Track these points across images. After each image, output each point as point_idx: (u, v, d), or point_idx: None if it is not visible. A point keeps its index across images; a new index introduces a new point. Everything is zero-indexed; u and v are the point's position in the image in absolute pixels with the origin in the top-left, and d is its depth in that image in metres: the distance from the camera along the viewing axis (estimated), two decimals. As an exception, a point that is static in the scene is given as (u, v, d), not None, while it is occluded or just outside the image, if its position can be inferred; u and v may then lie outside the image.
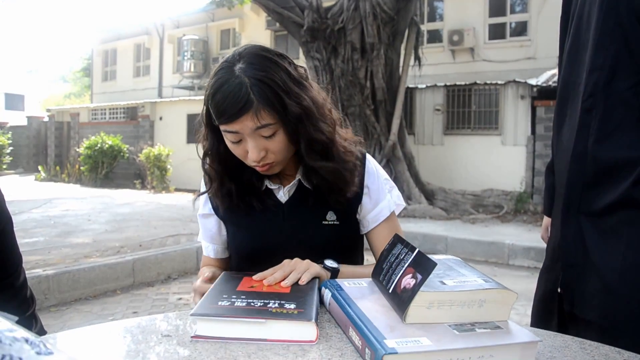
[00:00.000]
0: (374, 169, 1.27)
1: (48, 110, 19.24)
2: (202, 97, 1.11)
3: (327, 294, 0.95)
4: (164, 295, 4.30)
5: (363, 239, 1.32)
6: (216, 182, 1.18)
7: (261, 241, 1.21)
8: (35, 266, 4.23)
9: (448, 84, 10.37)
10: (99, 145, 13.64)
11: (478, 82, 10.06)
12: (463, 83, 10.18)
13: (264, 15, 13.84)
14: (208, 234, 1.31)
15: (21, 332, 0.49)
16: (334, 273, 1.09)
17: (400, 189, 8.28)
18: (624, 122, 1.05)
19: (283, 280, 0.99)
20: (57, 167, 15.97)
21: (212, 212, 1.27)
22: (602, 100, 1.08)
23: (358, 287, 0.95)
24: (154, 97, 17.38)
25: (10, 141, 16.12)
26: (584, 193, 1.12)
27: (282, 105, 1.03)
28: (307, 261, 1.05)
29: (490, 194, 9.24)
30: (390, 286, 0.85)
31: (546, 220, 1.44)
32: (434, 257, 0.84)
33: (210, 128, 1.13)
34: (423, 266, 0.78)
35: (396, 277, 0.84)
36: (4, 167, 16.04)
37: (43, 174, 15.75)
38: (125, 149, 14.00)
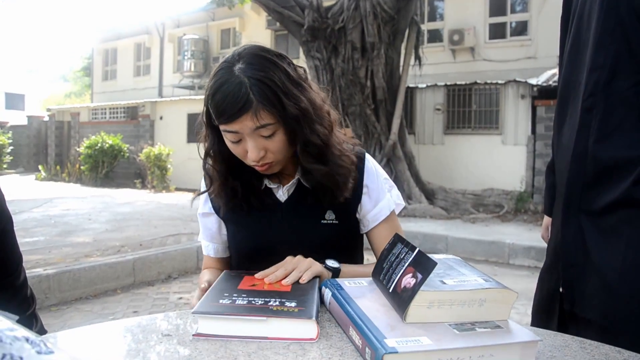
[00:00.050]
0: (374, 169, 1.27)
1: (48, 110, 19.24)
2: (203, 97, 1.11)
3: (327, 293, 0.95)
4: (165, 295, 4.30)
5: (363, 238, 1.33)
6: (218, 182, 1.18)
7: (261, 240, 1.22)
8: (36, 265, 4.23)
9: (448, 83, 10.36)
10: (99, 144, 13.64)
11: (478, 81, 10.06)
12: (463, 82, 10.17)
13: (265, 14, 13.84)
14: (208, 233, 1.31)
15: (22, 331, 0.49)
16: (335, 273, 1.09)
17: (401, 188, 8.31)
18: (624, 121, 1.05)
19: (284, 278, 0.99)
20: (58, 167, 15.98)
21: (212, 211, 1.28)
22: (603, 99, 1.08)
23: (358, 287, 0.95)
24: (155, 97, 17.38)
25: (10, 140, 16.13)
26: (584, 192, 1.12)
27: (281, 105, 1.04)
28: (310, 259, 1.05)
29: (490, 194, 9.24)
30: (391, 285, 0.85)
31: (547, 219, 1.44)
32: (434, 257, 0.84)
33: (210, 128, 1.13)
34: (423, 265, 0.78)
35: (396, 276, 0.84)
36: (5, 166, 16.05)
37: (43, 174, 15.75)
38: (125, 149, 14.00)
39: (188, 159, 12.88)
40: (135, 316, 1.12)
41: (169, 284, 4.66)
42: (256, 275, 1.02)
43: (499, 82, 9.75)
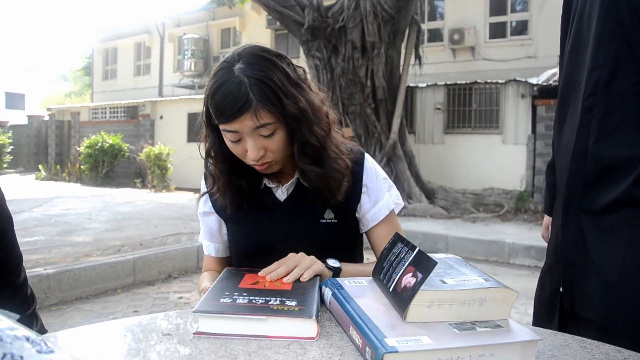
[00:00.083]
0: (373, 168, 1.27)
1: (48, 109, 19.24)
2: (203, 96, 1.11)
3: (327, 293, 0.95)
4: (165, 294, 4.31)
5: (362, 237, 1.33)
6: (222, 180, 1.19)
7: (260, 239, 1.22)
8: (36, 265, 4.24)
9: (449, 82, 10.36)
10: (99, 144, 13.64)
11: (478, 81, 10.06)
12: (464, 82, 10.17)
13: (265, 14, 13.83)
14: (209, 232, 1.32)
15: (22, 331, 0.49)
16: (336, 272, 1.10)
17: (401, 187, 8.31)
18: (624, 121, 1.05)
19: (286, 276, 1.00)
20: (58, 166, 15.98)
21: (212, 210, 1.28)
22: (603, 99, 1.08)
23: (358, 286, 0.95)
24: (155, 96, 17.39)
25: (10, 140, 16.12)
26: (584, 192, 1.12)
27: (281, 105, 1.04)
28: (312, 257, 1.06)
29: (490, 193, 9.24)
30: (391, 285, 0.85)
31: (547, 219, 1.45)
32: (435, 256, 0.84)
33: (210, 127, 1.13)
34: (423, 265, 0.78)
35: (397, 275, 0.84)
36: (5, 166, 16.04)
37: (44, 173, 15.75)
38: (125, 148, 14.00)
39: (188, 158, 12.88)
40: (135, 315, 1.13)
41: (169, 284, 4.66)
42: (259, 274, 1.02)
43: (499, 81, 9.75)
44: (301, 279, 0.99)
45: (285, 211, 1.21)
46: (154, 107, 15.13)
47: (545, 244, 1.38)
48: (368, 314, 0.80)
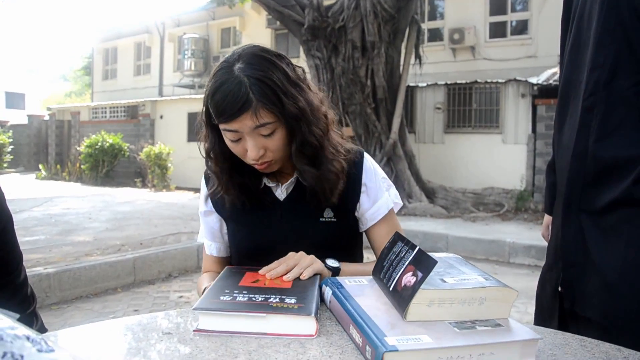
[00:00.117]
0: (372, 168, 1.27)
1: (49, 109, 19.24)
2: (203, 96, 1.11)
3: (327, 292, 0.95)
4: (165, 293, 4.31)
5: (362, 236, 1.33)
6: (222, 180, 1.19)
7: (260, 238, 1.23)
8: (37, 264, 4.24)
9: (449, 82, 10.36)
10: (99, 143, 13.64)
11: (479, 80, 10.06)
12: (464, 81, 10.17)
13: (265, 13, 13.83)
14: (210, 232, 1.32)
15: (22, 330, 0.49)
16: (335, 272, 1.10)
17: (401, 187, 8.32)
18: (624, 120, 1.05)
19: (286, 274, 1.00)
20: (58, 166, 15.98)
21: (213, 209, 1.29)
22: (603, 99, 1.08)
23: (359, 285, 0.95)
24: (155, 96, 17.38)
25: (11, 140, 16.11)
26: (584, 191, 1.12)
27: (281, 104, 1.04)
28: (312, 256, 1.06)
29: (490, 192, 9.24)
30: (391, 284, 0.85)
31: (547, 218, 1.45)
32: (435, 255, 0.84)
33: (210, 127, 1.14)
34: (423, 264, 0.79)
35: (397, 274, 0.84)
36: (5, 165, 16.03)
37: (44, 173, 15.75)
38: (125, 148, 14.00)
39: (188, 157, 12.88)
40: (135, 315, 1.13)
41: (169, 283, 4.66)
42: (260, 272, 1.03)
43: (499, 81, 9.75)
44: (301, 277, 1.00)
45: (285, 210, 1.22)
46: (154, 106, 15.13)
47: (546, 244, 1.38)
48: (368, 312, 0.80)
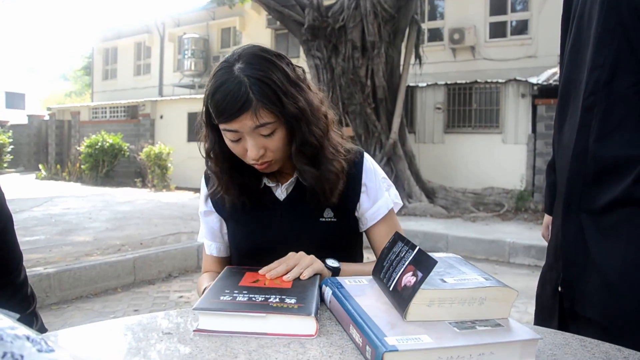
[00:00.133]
0: (372, 168, 1.27)
1: (49, 109, 19.24)
2: (203, 96, 1.11)
3: (327, 292, 0.95)
4: (165, 293, 4.31)
5: (362, 236, 1.33)
6: (222, 180, 1.19)
7: (260, 238, 1.23)
8: (37, 264, 4.24)
9: (449, 82, 10.36)
10: (99, 143, 13.64)
11: (479, 80, 10.06)
12: (464, 81, 10.17)
13: (265, 13, 13.83)
14: (210, 232, 1.32)
15: (22, 330, 0.49)
16: (335, 272, 1.10)
17: (401, 187, 8.32)
18: (624, 120, 1.05)
19: (286, 274, 1.00)
20: (58, 166, 15.98)
21: (213, 209, 1.29)
22: (603, 98, 1.08)
23: (359, 285, 0.95)
24: (155, 96, 17.38)
25: (11, 140, 16.10)
26: (584, 191, 1.12)
27: (281, 104, 1.05)
28: (312, 256, 1.06)
29: (491, 192, 9.24)
30: (391, 284, 0.85)
31: (547, 218, 1.45)
32: (435, 255, 0.84)
33: (210, 127, 1.14)
34: (423, 264, 0.79)
35: (397, 274, 0.84)
36: (5, 165, 16.03)
37: (44, 173, 15.75)
38: (126, 148, 14.00)
39: (188, 157, 12.88)
40: (135, 315, 1.13)
41: (169, 283, 4.66)
42: (260, 272, 1.03)
43: (499, 81, 9.75)
44: (301, 277, 1.00)
45: (285, 210, 1.22)
46: (154, 106, 15.13)
47: (546, 244, 1.38)
48: (368, 312, 0.80)
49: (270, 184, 1.23)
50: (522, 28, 11.92)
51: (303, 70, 1.17)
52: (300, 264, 1.03)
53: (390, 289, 0.84)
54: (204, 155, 1.20)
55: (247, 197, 1.20)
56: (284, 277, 0.99)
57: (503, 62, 11.58)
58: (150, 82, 18.71)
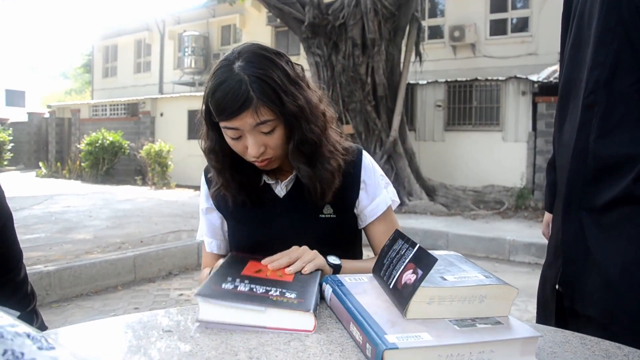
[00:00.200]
0: (370, 165, 1.28)
1: (49, 107, 19.23)
2: (203, 94, 1.12)
3: (328, 289, 0.95)
4: (165, 291, 4.31)
5: (361, 234, 1.34)
6: (223, 177, 1.19)
7: (260, 235, 1.23)
8: (37, 262, 4.24)
9: (449, 80, 10.35)
10: (99, 141, 13.64)
11: (479, 78, 10.05)
12: (464, 79, 10.16)
13: (265, 11, 13.81)
14: (210, 229, 1.33)
15: (23, 328, 0.49)
16: (336, 269, 1.11)
17: (401, 185, 8.31)
18: (625, 118, 1.05)
19: (288, 266, 1.01)
20: (58, 164, 15.98)
21: (213, 206, 1.29)
22: (604, 97, 1.08)
23: (359, 283, 0.95)
24: (155, 93, 17.37)
25: (11, 137, 16.11)
26: (585, 189, 1.12)
27: (280, 102, 1.05)
28: (315, 252, 1.07)
29: (491, 190, 9.24)
30: (391, 282, 0.85)
31: (547, 216, 1.45)
32: (435, 253, 0.84)
33: (210, 125, 1.14)
34: (424, 262, 0.79)
35: (397, 272, 0.84)
36: (5, 163, 16.04)
37: (44, 170, 15.76)
38: (126, 145, 14.00)
39: (188, 155, 12.88)
40: (136, 312, 1.13)
41: (169, 281, 4.66)
42: (262, 262, 1.04)
43: (500, 78, 9.74)
44: (302, 272, 1.01)
45: (285, 207, 1.22)
46: (154, 104, 15.13)
47: (546, 241, 1.38)
48: (368, 310, 0.80)
49: (270, 181, 1.23)
50: (522, 25, 11.90)
51: (302, 68, 1.18)
52: (302, 258, 1.03)
53: (391, 286, 0.85)
54: (205, 153, 1.20)
55: (247, 195, 1.20)
56: (286, 270, 1.00)
57: (503, 60, 11.56)
58: (151, 79, 18.69)
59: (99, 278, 4.32)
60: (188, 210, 7.79)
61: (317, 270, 1.03)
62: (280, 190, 1.23)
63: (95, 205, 8.49)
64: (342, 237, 1.26)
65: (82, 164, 14.27)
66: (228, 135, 1.10)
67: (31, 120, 19.45)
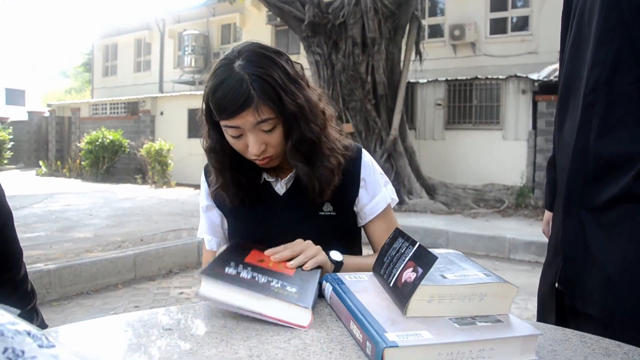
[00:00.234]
0: (370, 163, 1.28)
1: (49, 105, 19.23)
2: (203, 93, 1.12)
3: (328, 288, 0.95)
4: (165, 290, 4.31)
5: (361, 232, 1.34)
6: (223, 175, 1.20)
7: (260, 233, 1.23)
8: (37, 261, 4.24)
9: (449, 78, 10.35)
10: (100, 140, 13.65)
11: (479, 76, 10.05)
12: (464, 78, 10.16)
13: (265, 10, 13.81)
14: (210, 226, 1.33)
15: (23, 325, 0.50)
16: (338, 266, 1.11)
17: (402, 183, 8.32)
18: (625, 117, 1.05)
19: (290, 260, 1.02)
20: (58, 162, 15.99)
21: (214, 204, 1.30)
22: (604, 95, 1.07)
23: (359, 281, 0.96)
24: (155, 92, 17.36)
25: (11, 136, 16.12)
26: (585, 188, 1.12)
27: (280, 101, 1.06)
28: (318, 247, 1.08)
29: (491, 189, 9.24)
30: (391, 280, 0.85)
31: (547, 214, 1.45)
32: (435, 251, 0.84)
33: (211, 124, 1.14)
34: (424, 260, 0.79)
35: (397, 270, 0.84)
36: (5, 162, 16.04)
37: (44, 169, 15.77)
38: (126, 144, 14.01)
39: (189, 154, 12.89)
40: (136, 311, 1.13)
41: (169, 279, 4.67)
42: (265, 252, 1.05)
43: (500, 77, 9.74)
44: (303, 268, 1.01)
45: (285, 205, 1.22)
46: (154, 103, 15.13)
47: (546, 240, 1.38)
48: (368, 308, 0.80)
49: (270, 179, 1.23)
50: (522, 24, 11.89)
51: (302, 67, 1.18)
52: (305, 252, 1.04)
53: (391, 285, 0.85)
54: (206, 152, 1.21)
55: (247, 193, 1.21)
56: (288, 264, 1.01)
57: (503, 59, 11.56)
58: (151, 78, 18.69)
59: (99, 276, 4.32)
60: (188, 209, 7.79)
61: (318, 267, 1.04)
62: (280, 188, 1.23)
63: (96, 203, 8.49)
64: (341, 234, 1.26)
65: (82, 163, 14.28)
66: (229, 134, 1.10)
67: (31, 119, 19.45)
